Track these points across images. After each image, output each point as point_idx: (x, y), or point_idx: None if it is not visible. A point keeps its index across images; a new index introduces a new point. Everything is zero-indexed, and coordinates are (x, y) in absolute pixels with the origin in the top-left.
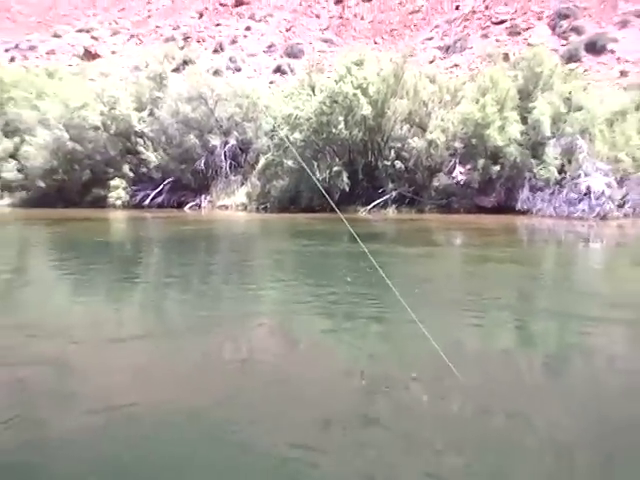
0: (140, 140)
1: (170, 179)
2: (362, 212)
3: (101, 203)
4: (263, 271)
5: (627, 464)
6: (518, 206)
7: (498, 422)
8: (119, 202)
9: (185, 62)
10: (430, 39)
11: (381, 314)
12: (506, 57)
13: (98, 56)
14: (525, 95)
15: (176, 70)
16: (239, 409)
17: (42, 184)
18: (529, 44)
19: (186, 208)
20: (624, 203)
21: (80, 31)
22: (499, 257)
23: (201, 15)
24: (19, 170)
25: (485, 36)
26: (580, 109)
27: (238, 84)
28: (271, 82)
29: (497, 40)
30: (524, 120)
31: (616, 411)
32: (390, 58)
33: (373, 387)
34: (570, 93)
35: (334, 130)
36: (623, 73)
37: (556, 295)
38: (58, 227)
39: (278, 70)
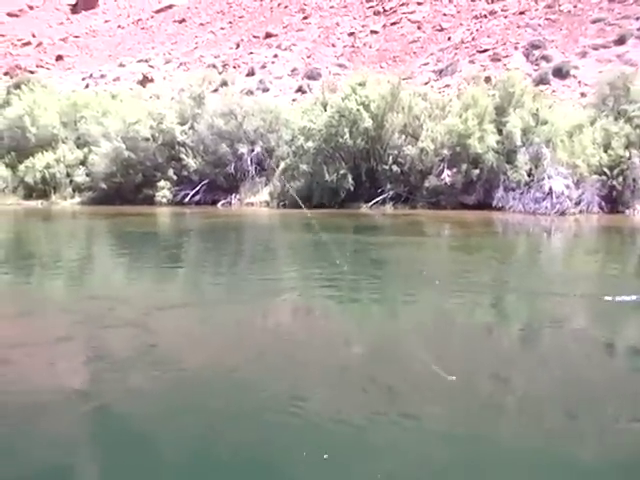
0: (182, 149)
1: (206, 181)
2: (364, 208)
3: (150, 201)
4: (281, 253)
5: (587, 413)
6: (494, 203)
7: (481, 383)
8: (164, 200)
9: (223, 84)
10: (426, 64)
11: (377, 291)
12: (488, 79)
13: (153, 81)
14: (501, 111)
15: (216, 91)
16: (265, 365)
17: (104, 186)
18: (507, 69)
19: (219, 205)
20: (580, 201)
21: (140, 61)
22: (477, 245)
23: (237, 46)
24: (87, 174)
25: (472, 62)
26: (546, 123)
27: (263, 101)
28: (294, 100)
29: (482, 65)
30: (500, 131)
31: (579, 372)
32: (388, 80)
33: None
34: (537, 110)
35: (341, 140)
36: (583, 94)
37: (525, 276)
38: (117, 220)
39: (299, 90)
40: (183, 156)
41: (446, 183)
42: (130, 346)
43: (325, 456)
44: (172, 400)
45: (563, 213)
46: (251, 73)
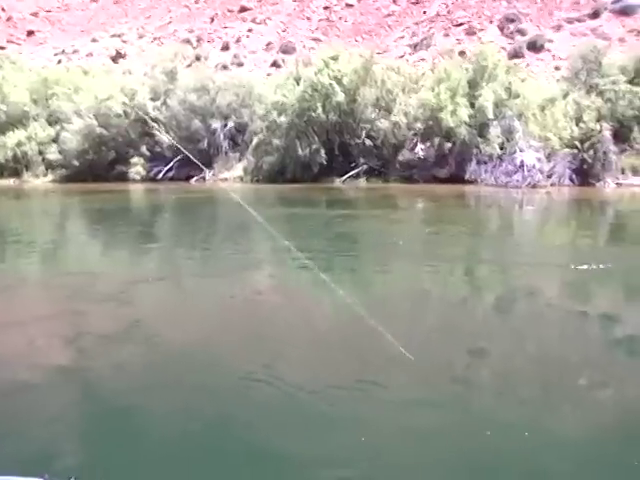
0: (155, 124)
1: (179, 157)
2: (337, 182)
3: (123, 177)
4: (255, 228)
5: (560, 383)
6: (467, 177)
7: (454, 354)
8: (138, 176)
9: (197, 59)
10: (402, 38)
11: (350, 264)
12: (463, 53)
13: (126, 56)
14: (474, 84)
15: (189, 66)
16: (238, 338)
17: (76, 163)
18: (482, 43)
19: (192, 180)
20: (551, 174)
21: (113, 36)
22: (450, 217)
23: (212, 20)
24: (59, 152)
25: (447, 35)
26: (518, 96)
27: (236, 76)
28: (268, 74)
29: (457, 39)
30: (472, 105)
31: (551, 343)
32: (360, 54)
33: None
34: (510, 83)
35: (313, 114)
36: (557, 68)
37: (497, 247)
38: (90, 197)
39: (274, 64)
40: (156, 132)
41: (419, 157)
42: (110, 321)
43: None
44: (152, 374)
45: (534, 186)
46: (226, 47)
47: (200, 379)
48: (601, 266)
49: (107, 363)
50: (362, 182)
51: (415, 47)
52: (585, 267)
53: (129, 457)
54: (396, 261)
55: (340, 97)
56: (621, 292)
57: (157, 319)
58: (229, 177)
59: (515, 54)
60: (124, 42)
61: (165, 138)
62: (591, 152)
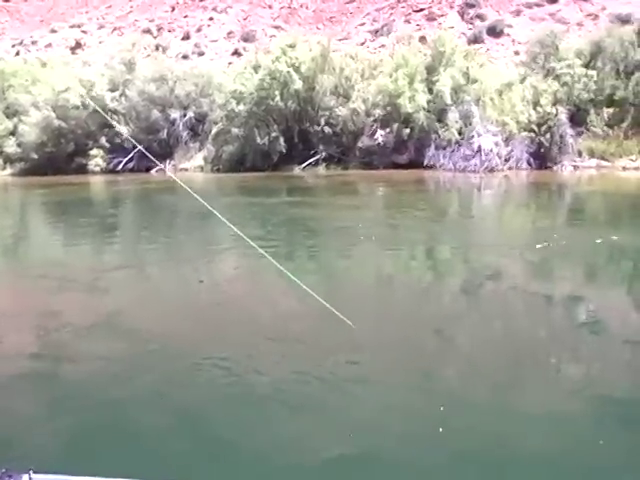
0: (114, 116)
1: (139, 148)
2: (297, 170)
3: (83, 170)
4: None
5: (526, 366)
6: (426, 162)
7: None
8: (97, 168)
9: (158, 49)
10: (363, 24)
11: (313, 250)
12: (423, 39)
13: (86, 47)
14: (432, 70)
15: (149, 56)
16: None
17: (35, 156)
18: (442, 28)
19: (152, 171)
20: (509, 158)
21: (72, 26)
22: (410, 203)
23: (173, 9)
24: (18, 145)
25: (407, 21)
26: (476, 81)
27: (194, 66)
28: (230, 63)
29: (417, 25)
30: (430, 91)
31: (517, 325)
32: (318, 41)
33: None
34: (468, 68)
35: (272, 102)
36: (516, 53)
37: (457, 230)
38: (49, 190)
39: (235, 53)
40: (115, 123)
41: (379, 143)
42: (76, 311)
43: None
44: (118, 363)
45: (492, 170)
46: (186, 37)
47: (163, 368)
48: (559, 245)
49: (78, 351)
50: (322, 169)
51: (376, 33)
52: (544, 246)
53: (91, 448)
54: (357, 246)
55: (298, 85)
56: (579, 269)
57: (120, 308)
58: (190, 167)
59: (475, 39)
60: (84, 33)
61: (122, 130)
62: (548, 136)
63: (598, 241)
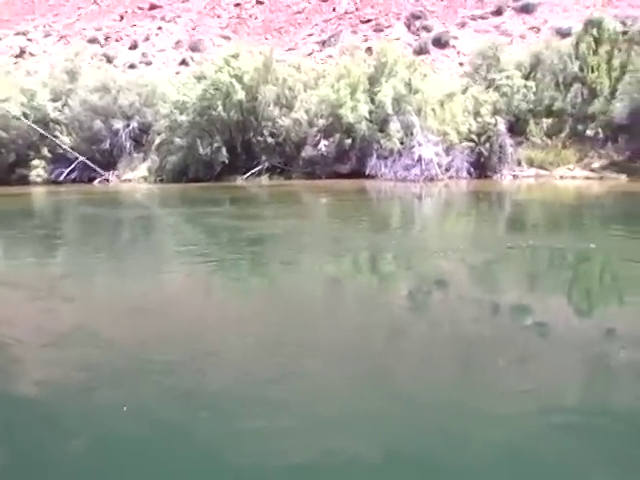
0: (56, 126)
1: (81, 158)
2: (240, 181)
3: (25, 180)
4: (159, 228)
5: (476, 362)
6: (367, 172)
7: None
8: (39, 179)
9: (105, 58)
10: (311, 35)
11: (255, 260)
12: (370, 50)
13: (32, 55)
14: (374, 80)
15: (96, 66)
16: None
17: None
18: (388, 40)
19: (95, 182)
20: (449, 167)
21: (18, 34)
22: (352, 212)
23: (121, 18)
24: None
25: (355, 32)
26: (417, 92)
27: (141, 75)
28: (177, 73)
29: (364, 36)
30: (373, 101)
31: (465, 327)
32: (260, 51)
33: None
34: (410, 79)
35: (214, 112)
36: (461, 64)
37: (400, 238)
38: None
39: (183, 62)
40: (57, 133)
41: (322, 153)
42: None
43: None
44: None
45: (432, 179)
46: (134, 46)
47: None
48: (499, 251)
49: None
50: (264, 180)
51: (323, 44)
52: (484, 252)
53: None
54: (300, 255)
55: (241, 95)
56: (520, 274)
57: (66, 316)
58: (133, 177)
59: (421, 50)
60: (29, 40)
61: (63, 141)
62: (488, 145)
63: (529, 242)
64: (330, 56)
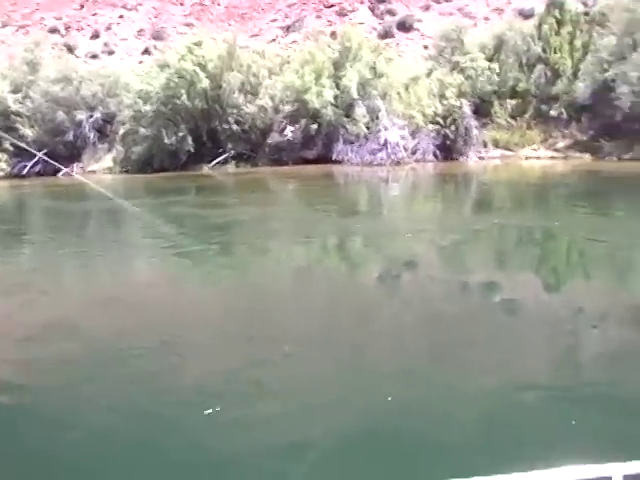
0: (18, 118)
1: (45, 150)
2: (206, 169)
3: None
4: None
5: (448, 340)
6: (334, 157)
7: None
8: (2, 173)
9: (66, 48)
10: (274, 20)
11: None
12: (334, 35)
13: None
14: (339, 66)
15: (57, 56)
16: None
17: None
18: (352, 24)
19: (60, 174)
20: (416, 151)
21: None
22: (320, 197)
23: (82, 7)
24: None
25: (319, 17)
26: (382, 76)
27: (103, 65)
28: (140, 62)
29: (328, 20)
30: (338, 86)
31: (436, 306)
32: (223, 38)
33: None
34: (375, 63)
35: (178, 101)
36: (426, 47)
37: (368, 221)
38: None
39: (146, 52)
40: (19, 126)
41: (288, 139)
42: None
43: None
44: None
45: (398, 163)
46: (96, 35)
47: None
48: (466, 231)
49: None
50: (231, 167)
51: (287, 29)
52: (452, 233)
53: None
54: (268, 241)
55: (205, 83)
56: (487, 253)
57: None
58: (98, 169)
59: (385, 34)
60: None
61: (25, 134)
62: (453, 128)
63: (495, 221)
64: (294, 41)
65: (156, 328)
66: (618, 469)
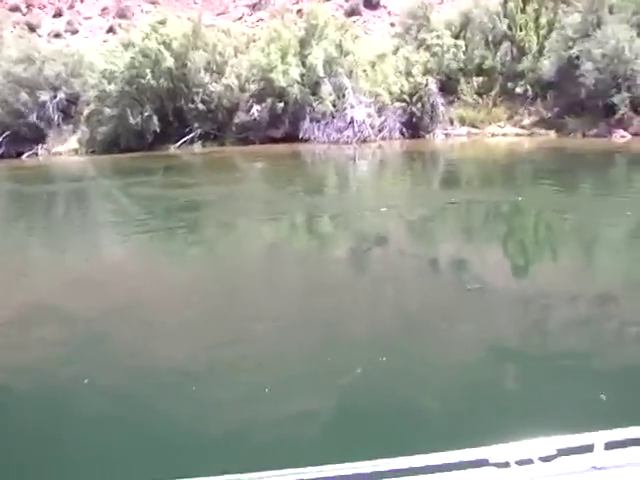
0: None
1: (7, 132)
2: (173, 149)
3: None
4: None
5: (419, 315)
6: (301, 135)
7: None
8: None
9: (28, 27)
10: None
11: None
12: (300, 12)
13: None
14: (305, 44)
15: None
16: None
17: None
18: (319, 2)
19: (24, 157)
20: (382, 128)
21: None
22: (287, 175)
23: None
24: None
25: None
26: (349, 54)
27: (64, 44)
28: (105, 41)
29: None
30: (304, 64)
31: (407, 282)
32: (188, 17)
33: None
34: (341, 41)
35: (143, 81)
36: (392, 24)
37: (336, 199)
38: None
39: (110, 30)
40: None
41: (255, 118)
42: None
43: None
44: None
45: (365, 141)
46: (58, 14)
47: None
48: (433, 207)
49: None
50: (198, 147)
51: (254, 7)
52: (420, 209)
53: None
54: (236, 220)
55: (169, 62)
56: (455, 228)
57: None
58: (64, 150)
59: (352, 12)
60: None
61: None
62: (419, 105)
63: (452, 200)
64: (261, 19)
65: (132, 308)
66: (600, 437)
